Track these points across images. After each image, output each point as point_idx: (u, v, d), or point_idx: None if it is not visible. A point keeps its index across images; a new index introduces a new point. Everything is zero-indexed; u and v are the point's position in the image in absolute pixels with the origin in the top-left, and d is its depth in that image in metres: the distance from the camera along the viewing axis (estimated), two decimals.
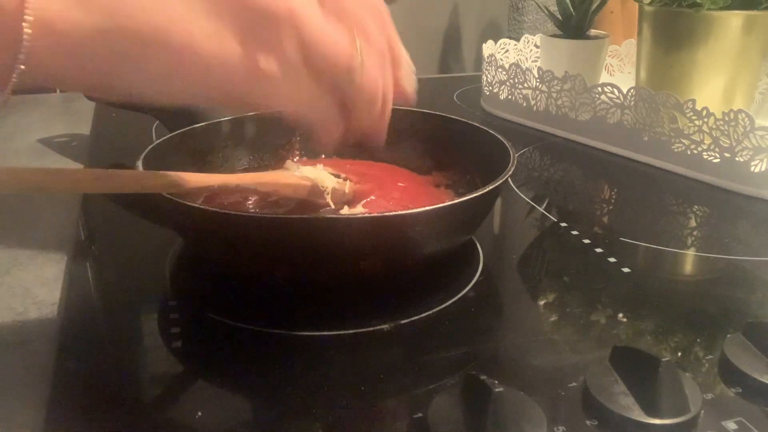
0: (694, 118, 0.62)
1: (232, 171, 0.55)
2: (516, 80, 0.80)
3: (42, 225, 0.52)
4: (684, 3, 0.64)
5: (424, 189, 0.53)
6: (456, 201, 0.40)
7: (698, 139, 0.62)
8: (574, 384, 0.33)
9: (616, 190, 0.64)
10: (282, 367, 0.35)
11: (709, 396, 0.32)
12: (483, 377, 0.29)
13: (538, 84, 0.77)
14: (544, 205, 0.57)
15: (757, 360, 0.33)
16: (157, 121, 0.67)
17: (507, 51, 0.90)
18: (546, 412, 0.29)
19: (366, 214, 0.41)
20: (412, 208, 0.37)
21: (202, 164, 0.53)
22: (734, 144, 0.59)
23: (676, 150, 0.64)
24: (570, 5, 0.80)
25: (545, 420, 0.28)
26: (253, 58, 0.26)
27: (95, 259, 0.48)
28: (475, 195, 0.40)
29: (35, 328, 0.38)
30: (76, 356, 0.35)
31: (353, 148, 0.58)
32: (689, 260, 0.49)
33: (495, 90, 0.84)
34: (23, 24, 0.23)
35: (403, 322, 0.38)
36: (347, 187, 0.49)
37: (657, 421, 0.29)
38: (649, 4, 0.68)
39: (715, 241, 0.51)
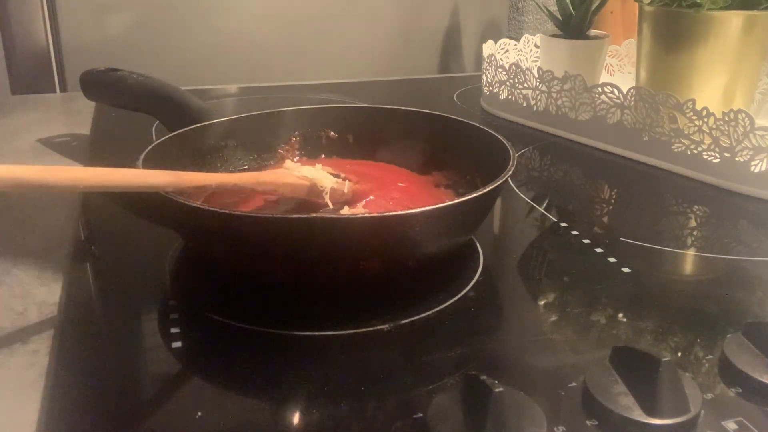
0: (694, 118, 0.62)
1: (232, 171, 0.55)
2: (516, 80, 0.80)
3: (42, 225, 0.52)
4: (684, 3, 0.64)
5: (424, 189, 0.53)
6: (456, 201, 0.40)
7: (698, 139, 0.62)
8: (574, 384, 0.33)
9: (616, 190, 0.64)
10: (282, 367, 0.35)
11: (709, 396, 0.32)
12: (483, 377, 0.29)
13: (538, 84, 0.77)
14: (544, 205, 0.57)
15: (757, 360, 0.33)
16: (157, 121, 0.67)
17: (507, 51, 0.90)
18: (546, 412, 0.29)
19: (366, 214, 0.41)
20: (412, 208, 0.37)
21: (202, 164, 0.53)
22: (734, 144, 0.59)
23: (676, 150, 0.64)
24: (570, 5, 0.80)
25: (545, 420, 0.28)
26: None
27: (95, 259, 0.48)
28: (475, 195, 0.40)
29: (35, 328, 0.38)
30: (76, 356, 0.36)
31: (353, 148, 0.59)
32: (689, 260, 0.49)
33: (495, 90, 0.84)
34: None
35: (403, 322, 0.38)
36: (346, 187, 0.49)
37: (657, 421, 0.29)
38: (649, 4, 0.68)
39: (715, 241, 0.51)
